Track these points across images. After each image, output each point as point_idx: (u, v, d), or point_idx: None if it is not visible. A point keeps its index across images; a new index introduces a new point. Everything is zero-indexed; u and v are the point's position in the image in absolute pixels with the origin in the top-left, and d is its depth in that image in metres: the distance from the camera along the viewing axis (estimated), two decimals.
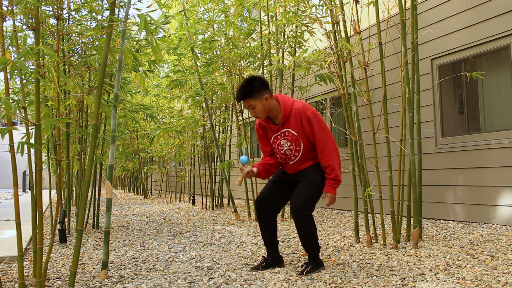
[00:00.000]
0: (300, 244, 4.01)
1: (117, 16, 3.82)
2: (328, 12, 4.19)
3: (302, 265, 3.07)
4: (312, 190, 3.02)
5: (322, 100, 7.18)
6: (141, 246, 4.25)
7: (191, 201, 9.41)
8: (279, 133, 3.08)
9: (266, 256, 3.22)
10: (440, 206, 5.20)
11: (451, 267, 2.97)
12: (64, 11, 4.36)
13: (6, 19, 2.72)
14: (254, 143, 8.86)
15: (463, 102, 5.19)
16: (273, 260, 3.17)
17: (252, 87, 2.97)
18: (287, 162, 3.14)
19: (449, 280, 2.67)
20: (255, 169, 3.10)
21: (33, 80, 3.10)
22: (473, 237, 4.01)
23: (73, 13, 4.73)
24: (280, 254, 3.28)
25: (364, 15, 5.69)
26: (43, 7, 3.44)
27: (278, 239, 3.25)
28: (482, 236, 4.02)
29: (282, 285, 2.73)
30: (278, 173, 3.26)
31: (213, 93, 7.21)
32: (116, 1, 3.42)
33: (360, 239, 4.04)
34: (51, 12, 3.47)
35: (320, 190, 3.05)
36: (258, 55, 5.96)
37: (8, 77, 2.57)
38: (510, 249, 3.41)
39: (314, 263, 3.02)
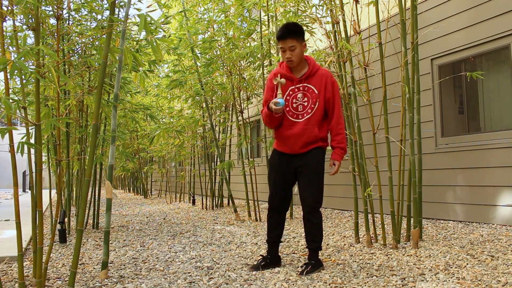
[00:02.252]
0: (300, 244, 4.01)
1: (117, 16, 3.82)
2: (328, 12, 4.19)
3: (302, 265, 3.07)
4: (320, 181, 3.05)
5: None
6: (141, 246, 4.25)
7: (191, 201, 9.41)
8: (299, 85, 3.04)
9: (265, 255, 3.22)
10: (440, 206, 5.20)
11: (451, 267, 2.97)
12: (64, 11, 4.36)
13: (6, 19, 2.72)
14: (254, 143, 8.86)
15: (463, 102, 5.19)
16: (272, 259, 3.18)
17: (300, 29, 3.01)
18: (295, 122, 3.03)
19: (449, 280, 2.67)
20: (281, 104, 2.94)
21: (33, 80, 3.10)
22: (473, 237, 4.01)
23: (73, 13, 4.73)
24: (279, 254, 3.28)
25: (364, 15, 5.69)
26: (43, 7, 3.44)
27: (281, 239, 3.25)
28: (482, 236, 4.02)
29: (282, 285, 2.73)
30: (280, 164, 3.13)
31: (213, 93, 7.21)
32: (116, 1, 3.42)
33: (360, 239, 4.04)
34: (51, 12, 3.47)
35: (323, 175, 3.08)
36: (258, 55, 5.96)
37: (8, 77, 2.56)
38: (510, 249, 3.41)
39: (314, 263, 3.02)
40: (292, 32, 2.98)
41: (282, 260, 3.38)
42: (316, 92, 3.03)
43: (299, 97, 3.04)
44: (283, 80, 3.00)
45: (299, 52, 3.00)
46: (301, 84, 3.05)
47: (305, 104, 3.03)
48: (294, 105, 3.05)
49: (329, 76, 3.06)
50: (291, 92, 3.06)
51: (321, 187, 3.07)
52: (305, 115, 3.03)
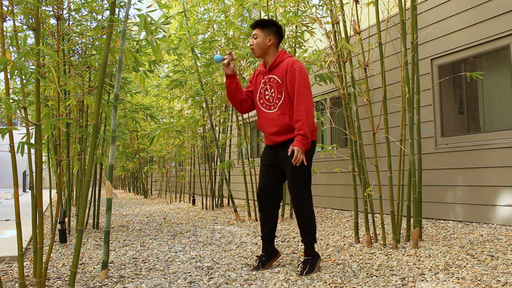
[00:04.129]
0: (300, 244, 4.01)
1: (117, 16, 3.82)
2: (328, 12, 4.19)
3: (299, 264, 3.06)
4: (303, 174, 3.02)
5: (322, 100, 7.19)
6: (141, 246, 4.26)
7: (191, 201, 9.41)
8: (266, 78, 3.15)
9: (260, 254, 3.23)
10: (440, 206, 5.21)
11: (451, 267, 2.97)
12: (64, 11, 4.36)
13: (7, 19, 2.72)
14: (254, 143, 8.87)
15: (463, 102, 5.20)
16: (267, 254, 3.18)
17: (268, 23, 3.16)
18: (268, 113, 3.13)
19: (449, 280, 2.68)
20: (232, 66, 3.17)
21: (33, 80, 3.10)
22: (473, 237, 4.01)
23: (73, 13, 4.73)
24: (275, 247, 3.27)
25: (364, 15, 5.69)
26: (43, 7, 3.44)
27: (276, 234, 3.24)
28: (482, 236, 4.03)
29: (282, 285, 2.74)
30: (266, 156, 3.20)
31: (213, 93, 7.21)
32: (116, 1, 3.42)
33: (360, 239, 4.04)
34: (51, 12, 3.47)
35: (307, 167, 3.05)
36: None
37: (8, 77, 2.57)
38: (510, 249, 3.41)
39: (311, 260, 3.02)
40: (258, 23, 3.16)
41: (282, 260, 3.38)
42: (280, 81, 3.07)
43: (268, 88, 3.14)
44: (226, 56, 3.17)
45: (260, 41, 3.12)
46: (267, 76, 3.15)
47: (273, 95, 3.11)
48: (266, 97, 3.15)
49: (290, 63, 3.04)
50: (262, 85, 3.18)
51: (304, 179, 3.04)
52: (275, 105, 3.10)
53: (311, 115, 2.98)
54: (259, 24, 3.15)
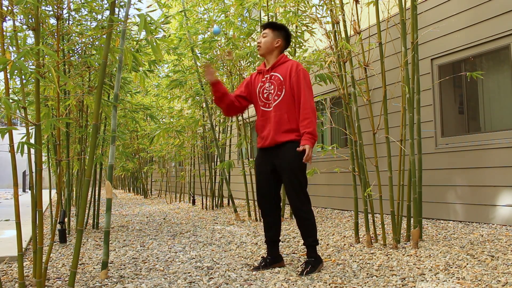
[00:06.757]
0: (300, 244, 4.01)
1: (117, 16, 3.82)
2: (328, 12, 4.19)
3: (301, 265, 3.07)
4: (299, 178, 3.03)
5: (322, 100, 7.18)
6: (141, 246, 4.25)
7: (191, 201, 9.41)
8: (267, 75, 3.16)
9: (265, 256, 3.23)
10: (440, 206, 5.20)
11: (451, 267, 2.97)
12: (64, 11, 4.36)
13: (6, 19, 2.72)
14: (254, 143, 8.87)
15: (463, 102, 5.20)
16: (272, 258, 3.18)
17: (279, 26, 3.22)
18: (265, 111, 3.13)
19: (449, 280, 2.68)
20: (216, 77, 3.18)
21: (33, 80, 3.10)
22: (473, 237, 4.01)
23: (73, 13, 4.73)
24: (280, 253, 3.28)
25: (364, 15, 5.69)
26: (43, 7, 3.44)
27: (280, 238, 3.25)
28: (482, 236, 4.02)
29: (282, 285, 2.73)
30: (261, 162, 3.17)
31: None
32: (116, 1, 3.42)
33: (360, 239, 4.04)
34: (51, 12, 3.47)
35: (303, 170, 3.06)
36: (258, 55, 5.96)
37: (8, 77, 2.56)
38: (510, 249, 3.41)
39: (313, 260, 3.02)
40: (271, 24, 3.22)
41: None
42: (282, 79, 3.09)
43: (266, 87, 3.14)
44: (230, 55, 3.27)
45: (268, 40, 3.15)
46: (268, 74, 3.16)
47: (272, 91, 3.11)
48: (265, 95, 3.15)
49: (295, 64, 3.09)
50: (261, 84, 3.19)
51: (302, 185, 3.04)
52: (272, 102, 3.10)
53: (316, 115, 3.03)
54: (271, 25, 3.22)
